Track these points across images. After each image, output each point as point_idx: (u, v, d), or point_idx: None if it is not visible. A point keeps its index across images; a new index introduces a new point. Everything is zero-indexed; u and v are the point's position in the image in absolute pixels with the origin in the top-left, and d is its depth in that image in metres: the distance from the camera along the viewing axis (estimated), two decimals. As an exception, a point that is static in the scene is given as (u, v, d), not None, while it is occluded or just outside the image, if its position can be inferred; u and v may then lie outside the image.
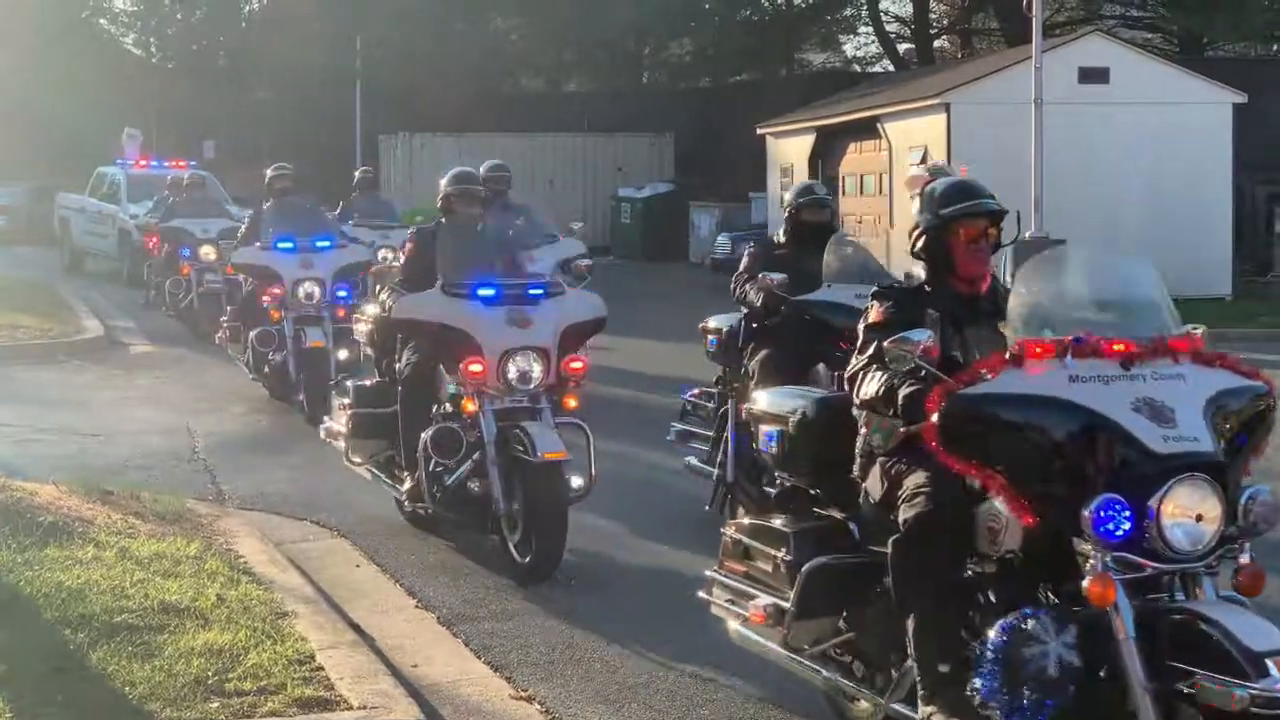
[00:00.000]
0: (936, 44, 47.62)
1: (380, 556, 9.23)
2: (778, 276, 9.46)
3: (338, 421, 10.54)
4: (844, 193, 29.43)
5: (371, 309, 10.49)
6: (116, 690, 6.13)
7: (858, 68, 50.09)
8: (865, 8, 46.98)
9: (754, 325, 9.84)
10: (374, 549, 9.41)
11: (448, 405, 9.14)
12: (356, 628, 7.49)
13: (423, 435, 8.90)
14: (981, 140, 25.20)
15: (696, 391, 10.89)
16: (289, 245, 14.55)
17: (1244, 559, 4.97)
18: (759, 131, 32.59)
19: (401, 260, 10.19)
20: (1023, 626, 4.80)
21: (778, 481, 6.53)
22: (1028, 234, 22.66)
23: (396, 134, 43.05)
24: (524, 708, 6.58)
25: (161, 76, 50.21)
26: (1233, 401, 5.19)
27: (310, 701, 6.13)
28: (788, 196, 10.30)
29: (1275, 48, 41.64)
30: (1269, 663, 4.48)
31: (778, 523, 6.14)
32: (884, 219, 27.55)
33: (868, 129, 28.30)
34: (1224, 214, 26.30)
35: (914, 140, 26.52)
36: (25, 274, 27.50)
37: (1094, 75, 25.89)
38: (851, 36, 52.19)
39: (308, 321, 14.31)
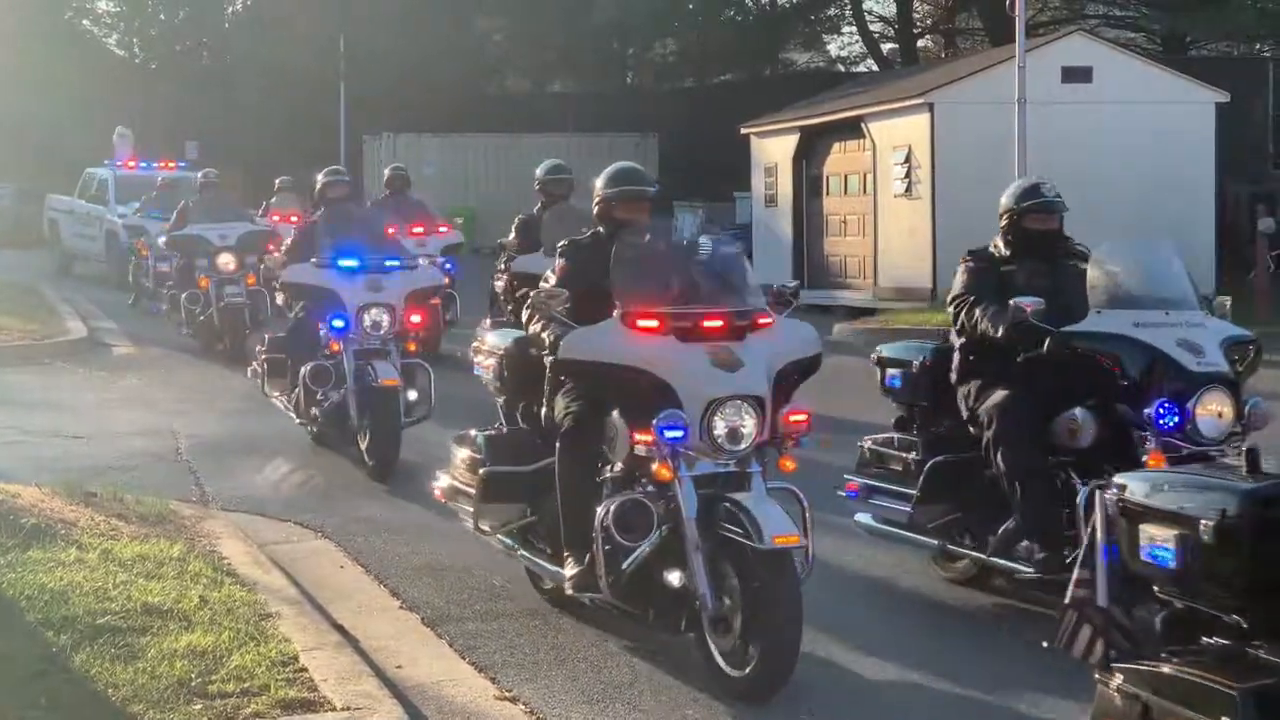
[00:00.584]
0: (920, 44, 47.68)
1: (364, 557, 9.22)
2: (1032, 301, 7.81)
3: (459, 480, 8.28)
4: (828, 193, 29.44)
5: (495, 338, 8.34)
6: (99, 692, 6.11)
7: (841, 67, 50.14)
8: (849, 7, 47.00)
9: (972, 357, 8.33)
10: (358, 550, 9.40)
11: (618, 465, 7.22)
12: (340, 629, 7.48)
13: (599, 509, 7.00)
14: (965, 140, 25.24)
15: (879, 439, 8.92)
16: (353, 265, 12.27)
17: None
18: (743, 131, 32.57)
19: (552, 279, 7.75)
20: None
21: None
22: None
23: (381, 134, 43.00)
24: (508, 708, 6.58)
25: (145, 77, 50.11)
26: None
27: (294, 703, 6.12)
28: (1005, 200, 8.57)
29: (1258, 47, 41.75)
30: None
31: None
32: (868, 219, 27.56)
33: (852, 129, 28.30)
34: (1207, 213, 26.34)
35: (898, 140, 26.54)
36: (9, 276, 27.41)
37: (1077, 75, 25.91)
38: (835, 36, 52.27)
39: (374, 355, 12.05)
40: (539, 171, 14.23)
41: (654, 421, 6.68)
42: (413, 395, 12.15)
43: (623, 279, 7.17)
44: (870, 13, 47.66)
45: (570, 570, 7.31)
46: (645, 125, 44.13)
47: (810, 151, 30.14)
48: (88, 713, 5.95)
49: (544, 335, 7.33)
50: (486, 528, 8.12)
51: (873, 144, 27.22)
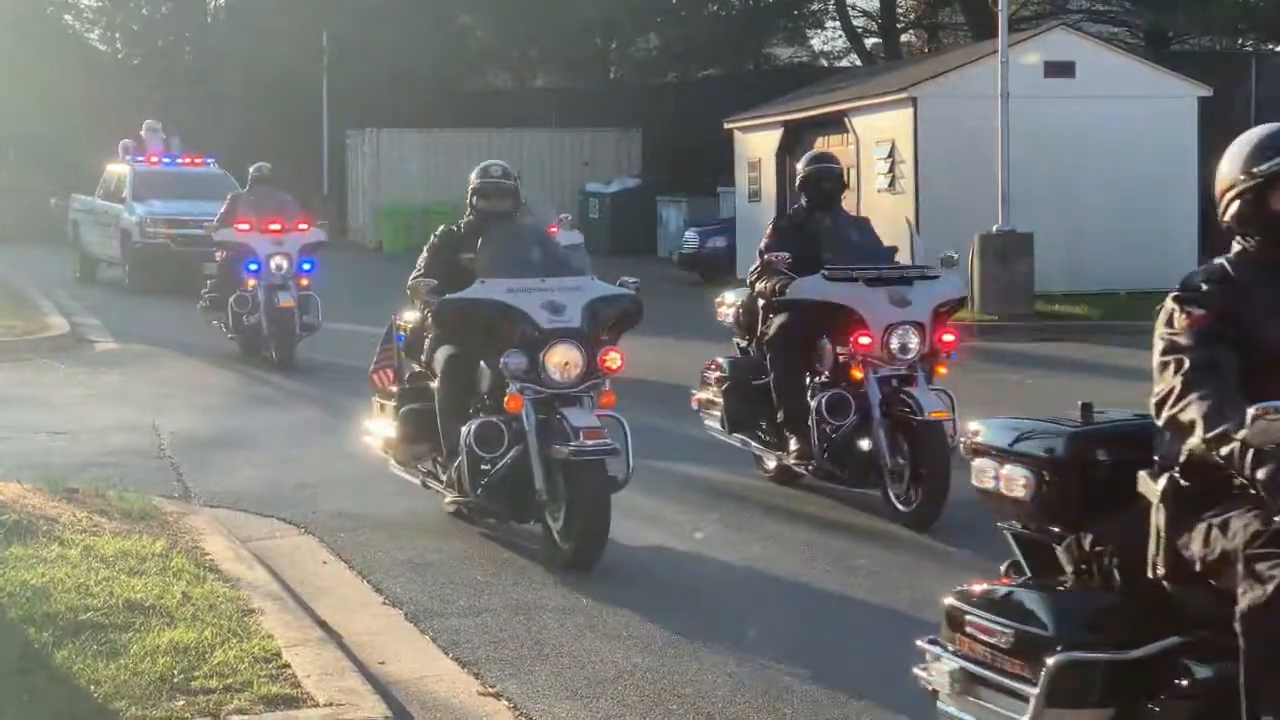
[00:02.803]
0: (903, 38, 47.67)
1: (347, 553, 9.20)
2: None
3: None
4: (811, 187, 29.45)
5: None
6: (82, 689, 6.09)
7: (825, 62, 50.14)
8: (832, 2, 46.98)
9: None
10: (340, 545, 9.38)
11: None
12: (323, 625, 7.46)
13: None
14: (948, 134, 25.27)
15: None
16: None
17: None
18: (726, 126, 32.59)
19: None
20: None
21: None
22: (994, 227, 22.79)
23: (363, 130, 42.96)
24: (492, 704, 6.57)
25: (126, 72, 49.95)
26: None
27: (277, 699, 6.11)
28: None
29: (1240, 41, 41.82)
30: None
31: None
32: (851, 212, 27.57)
33: (835, 123, 28.33)
34: (1190, 207, 26.38)
35: (881, 134, 26.56)
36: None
37: (1060, 69, 25.94)
38: (818, 31, 52.20)
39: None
40: None
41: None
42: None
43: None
44: (853, 7, 47.65)
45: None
46: (628, 121, 44.12)
47: (794, 146, 30.13)
48: (70, 709, 5.93)
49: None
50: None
51: (856, 138, 27.25)
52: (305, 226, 18.46)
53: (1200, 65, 31.30)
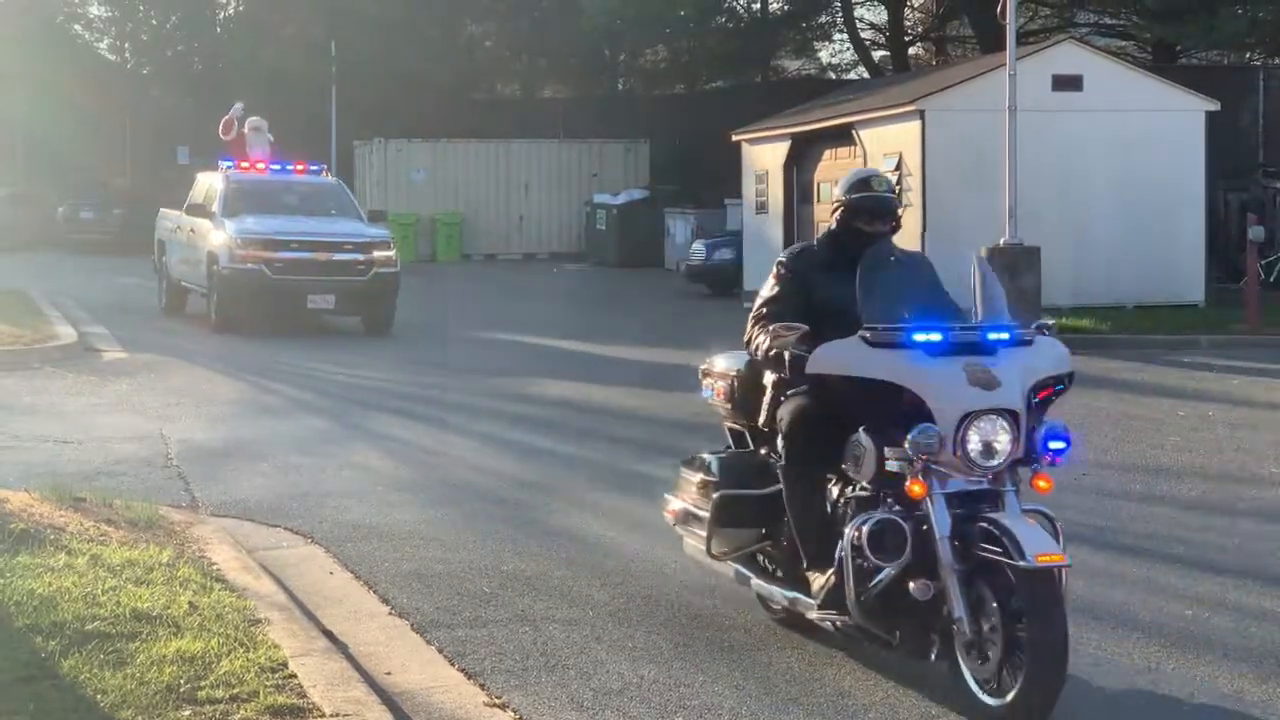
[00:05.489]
0: (911, 51, 47.75)
1: (353, 563, 9.20)
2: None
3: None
4: (819, 199, 29.48)
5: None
6: (88, 698, 6.10)
7: (833, 75, 50.31)
8: (840, 15, 47.08)
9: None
10: (347, 556, 9.39)
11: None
12: (329, 635, 7.47)
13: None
14: (955, 147, 25.29)
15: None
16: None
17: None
18: (734, 138, 32.62)
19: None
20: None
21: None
22: (1001, 240, 22.78)
23: (371, 140, 43.05)
24: (498, 715, 6.57)
25: (136, 83, 50.10)
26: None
27: (283, 709, 6.11)
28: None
29: (1248, 55, 41.85)
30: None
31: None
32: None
33: (843, 136, 28.35)
34: (1196, 221, 26.42)
35: (888, 147, 26.58)
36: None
37: (1067, 83, 25.98)
38: (827, 44, 52.38)
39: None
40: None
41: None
42: None
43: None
44: (861, 20, 47.78)
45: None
46: (636, 132, 44.21)
47: (801, 158, 30.19)
48: (76, 719, 5.94)
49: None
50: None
51: (864, 151, 27.27)
52: None
53: (1207, 79, 31.35)
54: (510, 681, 6.99)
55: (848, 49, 49.35)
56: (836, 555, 6.85)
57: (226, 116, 26.12)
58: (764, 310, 7.43)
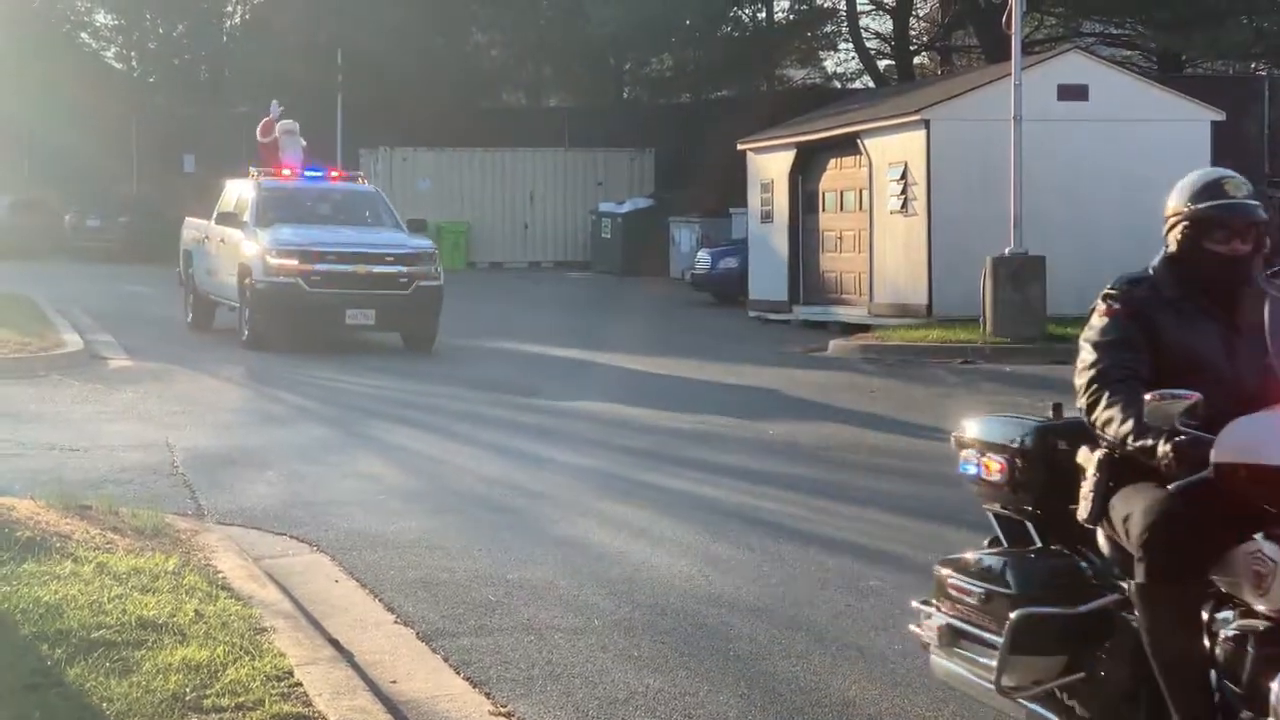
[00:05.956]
0: (916, 60, 47.78)
1: (359, 572, 9.21)
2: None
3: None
4: (824, 209, 29.52)
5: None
6: (93, 706, 6.10)
7: (838, 84, 50.25)
8: (846, 24, 47.12)
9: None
10: (353, 564, 9.39)
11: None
12: (335, 643, 7.47)
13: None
14: (961, 156, 25.31)
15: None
16: None
17: None
18: (739, 147, 32.64)
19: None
20: None
21: None
22: (1006, 250, 22.79)
23: (377, 148, 43.11)
24: (503, 724, 6.58)
25: (143, 90, 50.14)
26: None
27: (288, 718, 6.11)
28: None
29: (1253, 65, 41.84)
30: None
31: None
32: (864, 235, 27.62)
33: (848, 145, 28.37)
34: (1202, 231, 26.41)
35: (894, 156, 26.59)
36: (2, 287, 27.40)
37: (1073, 93, 26.00)
38: (832, 53, 52.36)
39: None
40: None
41: None
42: None
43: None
44: (867, 29, 47.80)
45: None
46: (641, 141, 44.23)
47: (806, 167, 30.21)
48: (82, 727, 5.95)
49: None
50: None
51: (869, 160, 27.28)
52: None
53: (1213, 89, 31.34)
54: (515, 690, 6.99)
55: (853, 58, 49.35)
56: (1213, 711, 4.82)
57: (267, 118, 24.76)
58: (1103, 366, 5.23)
